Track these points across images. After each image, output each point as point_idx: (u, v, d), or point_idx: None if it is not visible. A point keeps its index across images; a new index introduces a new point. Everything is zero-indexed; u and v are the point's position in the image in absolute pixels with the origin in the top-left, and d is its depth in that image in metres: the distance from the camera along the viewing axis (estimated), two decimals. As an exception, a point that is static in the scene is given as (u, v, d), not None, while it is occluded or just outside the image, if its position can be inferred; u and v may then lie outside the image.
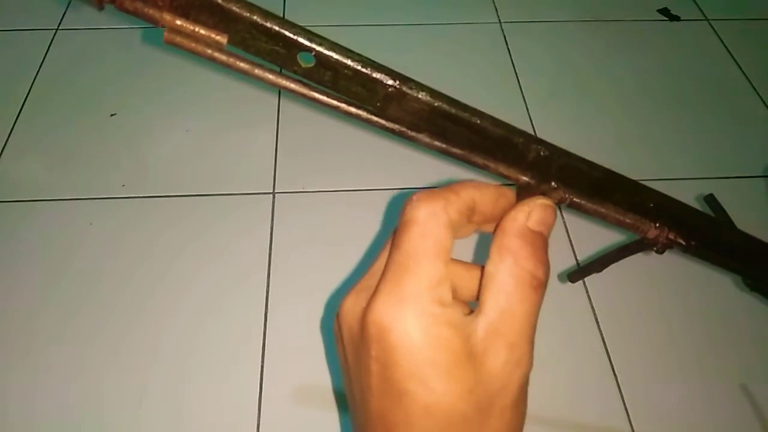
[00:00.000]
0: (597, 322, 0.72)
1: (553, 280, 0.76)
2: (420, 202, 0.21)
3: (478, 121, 0.22)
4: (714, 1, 1.14)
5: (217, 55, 0.19)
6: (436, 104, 0.22)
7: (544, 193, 0.24)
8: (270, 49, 0.19)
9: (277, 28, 0.19)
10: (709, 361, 0.70)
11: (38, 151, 0.87)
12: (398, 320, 0.20)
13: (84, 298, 0.72)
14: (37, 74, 0.96)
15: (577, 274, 0.29)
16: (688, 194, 0.85)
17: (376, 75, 0.21)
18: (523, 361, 0.21)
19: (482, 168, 0.23)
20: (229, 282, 0.74)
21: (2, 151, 0.86)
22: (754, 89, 0.99)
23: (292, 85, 0.20)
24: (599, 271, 0.29)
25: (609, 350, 0.70)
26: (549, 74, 1.01)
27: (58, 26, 1.04)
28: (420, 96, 0.21)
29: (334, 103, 0.21)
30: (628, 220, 0.26)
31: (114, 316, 0.71)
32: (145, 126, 0.90)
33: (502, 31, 1.07)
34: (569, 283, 0.75)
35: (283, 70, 0.20)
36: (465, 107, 0.22)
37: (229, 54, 0.19)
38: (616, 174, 0.25)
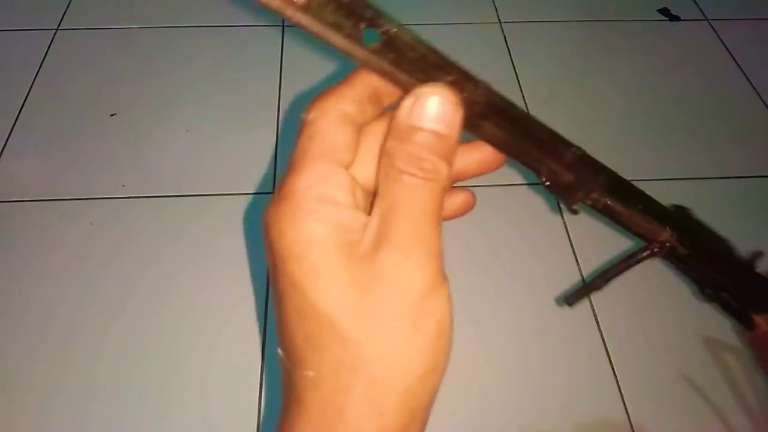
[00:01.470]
0: (598, 326, 0.72)
1: (550, 299, 0.76)
2: (312, 103, 0.21)
3: (528, 119, 0.23)
4: (714, 1, 1.14)
5: (290, 11, 0.18)
6: (493, 99, 0.22)
7: (584, 197, 0.24)
8: (335, 22, 0.19)
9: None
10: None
11: (38, 151, 0.87)
12: (276, 218, 0.20)
13: (84, 297, 0.72)
14: (37, 74, 0.96)
15: (575, 295, 0.27)
16: (687, 194, 0.85)
17: (440, 64, 0.21)
18: (417, 269, 0.19)
19: (535, 164, 0.23)
20: (229, 282, 0.74)
21: (2, 151, 0.86)
22: (754, 89, 0.99)
23: (369, 56, 0.19)
24: (600, 287, 0.28)
25: (610, 354, 0.70)
26: (549, 74, 1.01)
27: (58, 26, 1.04)
28: (479, 89, 0.21)
29: (403, 80, 0.20)
30: (647, 224, 0.26)
31: (115, 315, 0.71)
32: (145, 126, 0.90)
33: (502, 31, 1.07)
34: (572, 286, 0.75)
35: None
36: (516, 105, 0.22)
37: (300, 11, 0.18)
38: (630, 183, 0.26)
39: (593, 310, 0.73)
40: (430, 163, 0.20)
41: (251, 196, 0.82)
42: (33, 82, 0.94)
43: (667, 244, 0.26)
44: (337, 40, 0.19)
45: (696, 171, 0.88)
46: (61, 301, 0.71)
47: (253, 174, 0.84)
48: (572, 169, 0.24)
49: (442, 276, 0.20)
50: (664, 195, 0.92)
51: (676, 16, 1.11)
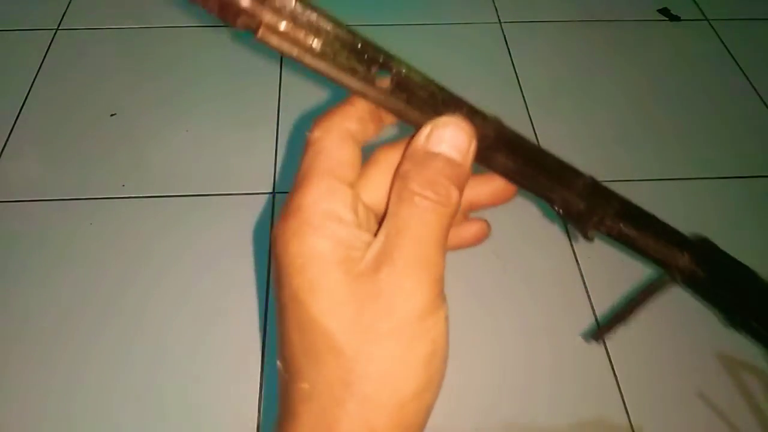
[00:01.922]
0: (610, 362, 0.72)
1: (572, 338, 0.76)
2: (315, 123, 0.22)
3: (538, 150, 0.24)
4: (714, 1, 1.14)
5: (308, 58, 0.20)
6: (503, 131, 0.23)
7: (598, 224, 0.25)
8: (350, 66, 0.20)
9: (361, 45, 0.20)
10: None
11: (38, 151, 0.87)
12: (282, 232, 0.20)
13: (84, 297, 0.72)
14: (37, 74, 0.96)
15: (602, 330, 0.27)
16: (687, 194, 0.85)
17: (449, 101, 0.22)
18: (417, 289, 0.20)
19: (547, 193, 0.24)
20: (229, 282, 0.74)
21: (2, 151, 0.86)
22: (754, 89, 0.99)
23: (382, 96, 0.21)
24: (625, 320, 0.27)
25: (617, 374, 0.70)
26: (549, 74, 1.01)
27: (58, 26, 1.04)
28: (488, 122, 0.23)
29: (415, 117, 0.21)
30: (663, 249, 0.26)
31: (114, 315, 0.71)
32: (145, 126, 0.90)
33: (502, 31, 1.07)
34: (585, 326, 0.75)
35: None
36: (525, 138, 0.24)
37: (318, 57, 0.20)
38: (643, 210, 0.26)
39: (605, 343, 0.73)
40: (444, 188, 0.20)
41: (251, 195, 0.82)
42: (33, 82, 0.94)
43: (687, 270, 0.26)
44: (352, 83, 0.20)
45: (696, 171, 0.88)
46: (61, 301, 0.71)
47: (252, 174, 0.84)
48: (584, 197, 0.25)
49: (441, 298, 0.20)
50: (664, 195, 0.93)
51: (676, 16, 1.11)
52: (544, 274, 0.76)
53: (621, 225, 0.25)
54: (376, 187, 0.23)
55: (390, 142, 0.24)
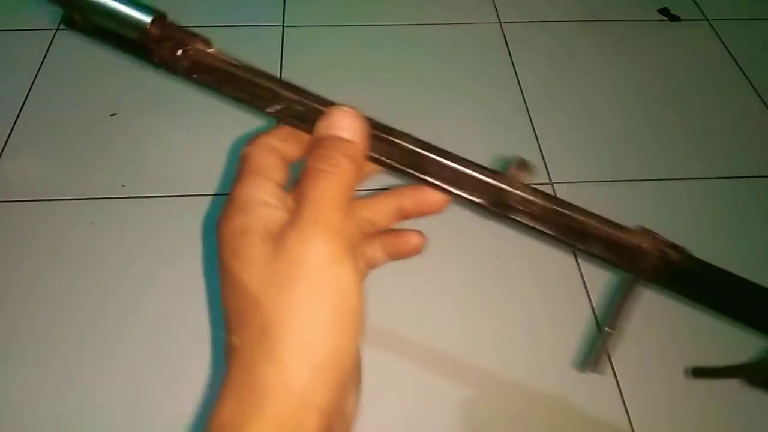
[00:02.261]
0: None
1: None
2: (247, 142, 0.28)
3: (595, 223, 0.26)
4: (714, 1, 1.14)
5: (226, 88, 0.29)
6: (558, 210, 0.26)
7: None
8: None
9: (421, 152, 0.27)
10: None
11: (38, 151, 0.87)
12: (219, 218, 0.25)
13: (84, 297, 0.72)
14: (37, 74, 0.96)
15: (595, 359, 0.27)
16: (687, 194, 0.85)
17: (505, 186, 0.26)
18: (316, 241, 0.23)
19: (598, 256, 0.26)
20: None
21: (2, 151, 0.86)
22: (754, 89, 0.99)
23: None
24: (613, 333, 0.27)
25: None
26: (549, 74, 1.01)
27: (58, 26, 1.04)
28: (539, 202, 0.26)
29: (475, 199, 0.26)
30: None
31: (114, 315, 0.71)
32: (145, 126, 0.90)
33: (502, 31, 1.07)
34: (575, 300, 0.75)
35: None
36: (574, 208, 0.26)
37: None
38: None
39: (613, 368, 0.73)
40: (334, 159, 0.24)
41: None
42: (33, 82, 0.94)
43: (656, 254, 0.25)
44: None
45: (695, 171, 0.88)
46: (61, 301, 0.71)
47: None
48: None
49: (344, 251, 0.23)
50: (664, 195, 0.93)
51: (676, 16, 1.11)
52: (544, 274, 0.76)
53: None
54: (374, 207, 0.30)
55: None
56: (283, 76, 0.97)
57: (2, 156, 0.85)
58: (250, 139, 0.28)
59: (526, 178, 0.26)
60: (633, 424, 0.65)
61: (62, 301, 0.71)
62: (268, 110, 0.28)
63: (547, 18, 1.10)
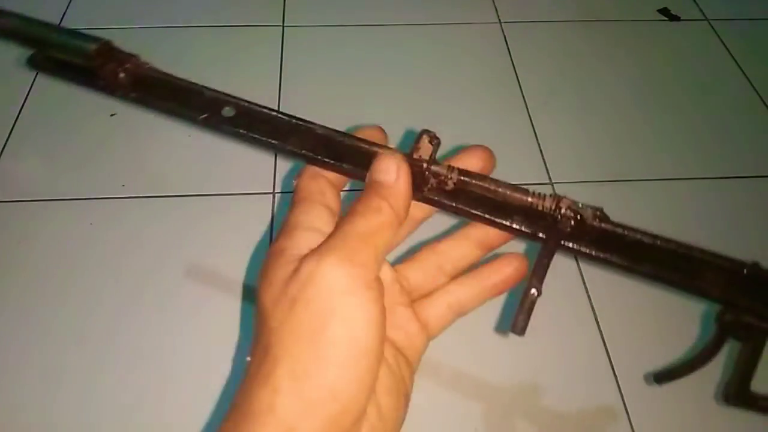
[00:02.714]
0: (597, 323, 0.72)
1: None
2: (298, 173, 0.28)
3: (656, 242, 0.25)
4: (714, 1, 1.14)
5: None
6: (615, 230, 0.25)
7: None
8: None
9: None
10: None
11: (38, 151, 0.87)
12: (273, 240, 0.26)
13: (84, 297, 0.72)
14: (37, 74, 0.96)
15: (520, 322, 0.26)
16: (686, 194, 0.85)
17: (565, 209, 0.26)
18: (332, 269, 0.22)
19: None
20: (230, 281, 0.74)
21: (2, 151, 0.86)
22: (754, 89, 0.99)
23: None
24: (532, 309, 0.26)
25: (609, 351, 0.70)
26: (549, 74, 1.01)
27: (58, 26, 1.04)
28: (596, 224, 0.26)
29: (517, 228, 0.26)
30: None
31: (114, 315, 0.71)
32: (145, 126, 0.90)
33: (502, 31, 1.07)
34: (572, 289, 0.75)
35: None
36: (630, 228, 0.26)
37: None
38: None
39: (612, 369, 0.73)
40: (374, 202, 0.24)
41: (251, 195, 0.82)
42: (33, 82, 0.94)
43: (564, 210, 0.25)
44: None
45: (695, 171, 0.88)
46: (61, 301, 0.71)
47: (253, 174, 0.84)
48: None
49: (361, 284, 0.22)
50: (664, 195, 0.93)
51: (676, 16, 1.11)
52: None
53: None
54: (449, 247, 0.29)
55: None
56: (283, 76, 0.98)
57: (2, 156, 0.85)
58: (299, 170, 0.28)
59: (434, 153, 0.26)
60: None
61: (62, 301, 0.71)
62: (201, 118, 0.29)
63: (547, 18, 1.10)
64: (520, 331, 0.24)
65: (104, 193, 0.82)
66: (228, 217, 0.80)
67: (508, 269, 0.28)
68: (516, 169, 0.85)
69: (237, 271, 0.74)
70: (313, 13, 1.08)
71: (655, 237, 0.25)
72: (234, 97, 0.30)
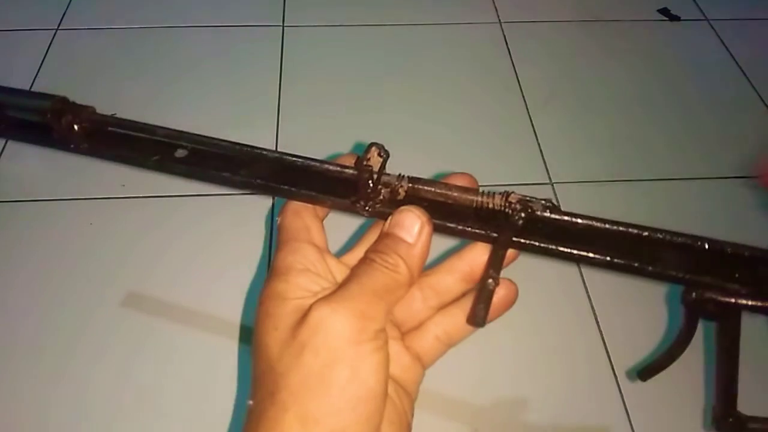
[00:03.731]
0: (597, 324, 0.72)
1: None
2: (281, 208, 0.29)
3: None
4: (714, 1, 1.14)
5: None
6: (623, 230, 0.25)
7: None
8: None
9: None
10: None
11: (38, 152, 0.87)
12: (265, 281, 0.26)
13: (84, 297, 0.72)
14: (37, 74, 0.96)
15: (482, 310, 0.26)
16: (686, 194, 0.85)
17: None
18: (340, 320, 0.22)
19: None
20: (228, 282, 0.74)
21: (2, 151, 0.86)
22: (754, 89, 0.99)
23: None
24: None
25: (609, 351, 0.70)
26: (549, 74, 1.01)
27: (58, 26, 1.04)
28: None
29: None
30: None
31: (114, 315, 0.70)
32: (145, 126, 0.90)
33: (502, 31, 1.07)
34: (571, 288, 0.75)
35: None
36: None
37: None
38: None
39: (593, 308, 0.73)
40: (391, 258, 0.24)
41: (251, 196, 0.82)
42: (33, 82, 0.94)
43: (514, 204, 0.25)
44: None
45: (695, 171, 0.88)
46: (61, 301, 0.71)
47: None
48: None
49: (369, 336, 0.23)
50: (664, 195, 0.93)
51: (676, 16, 1.11)
52: (545, 275, 0.76)
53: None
54: (438, 276, 0.29)
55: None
56: (283, 76, 0.98)
57: (2, 156, 0.85)
58: (281, 207, 0.29)
59: (383, 165, 0.26)
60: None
61: (62, 301, 0.71)
62: (153, 159, 0.29)
63: (547, 18, 1.10)
64: (481, 321, 0.24)
65: (104, 193, 0.82)
66: (228, 216, 0.80)
67: (494, 298, 0.28)
68: (516, 169, 0.85)
69: (237, 270, 0.74)
70: (313, 13, 1.08)
71: (606, 221, 0.25)
72: (187, 134, 0.30)
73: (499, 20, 1.09)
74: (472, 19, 1.09)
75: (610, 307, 0.73)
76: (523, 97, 0.96)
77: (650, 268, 0.24)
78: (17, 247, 0.76)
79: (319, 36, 1.05)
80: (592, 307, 0.73)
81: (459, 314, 0.29)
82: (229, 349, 0.68)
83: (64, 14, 1.06)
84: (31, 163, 0.86)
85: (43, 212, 0.80)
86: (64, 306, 0.71)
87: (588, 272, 0.76)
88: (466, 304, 0.29)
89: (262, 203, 0.81)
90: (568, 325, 0.72)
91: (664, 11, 1.12)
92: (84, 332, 0.69)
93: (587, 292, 0.74)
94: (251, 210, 0.80)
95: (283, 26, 1.06)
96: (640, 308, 0.73)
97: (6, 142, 0.87)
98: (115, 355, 0.68)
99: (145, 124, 0.30)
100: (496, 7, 1.11)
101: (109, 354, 0.68)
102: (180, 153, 0.30)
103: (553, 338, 0.71)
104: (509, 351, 0.70)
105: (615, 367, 0.69)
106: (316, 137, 0.89)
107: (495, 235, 0.25)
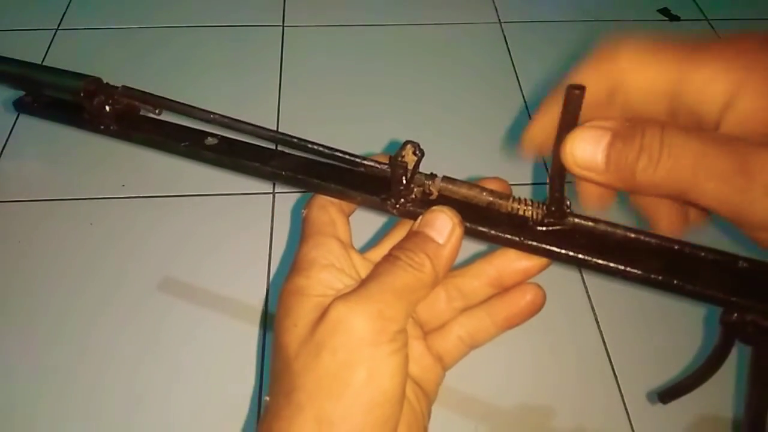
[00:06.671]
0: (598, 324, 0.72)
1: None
2: (307, 202, 0.29)
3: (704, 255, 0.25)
4: (714, 1, 1.14)
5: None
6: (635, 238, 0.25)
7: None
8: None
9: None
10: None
11: (38, 152, 0.87)
12: (287, 276, 0.26)
13: (84, 297, 0.72)
14: (37, 74, 0.95)
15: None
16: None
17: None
18: (359, 320, 0.22)
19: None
20: (228, 281, 0.74)
21: (2, 151, 0.86)
22: (754, 89, 0.99)
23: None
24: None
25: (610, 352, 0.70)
26: (549, 74, 1.01)
27: (58, 26, 1.04)
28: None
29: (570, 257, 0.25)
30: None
31: (114, 315, 0.71)
32: (145, 126, 0.90)
33: (502, 31, 1.07)
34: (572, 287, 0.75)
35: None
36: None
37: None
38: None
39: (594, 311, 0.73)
40: (418, 257, 0.24)
41: (251, 195, 0.82)
42: (33, 82, 0.94)
43: (540, 215, 0.25)
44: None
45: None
46: (59, 301, 0.71)
47: (253, 174, 0.84)
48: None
49: (387, 337, 0.22)
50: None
51: (676, 16, 1.11)
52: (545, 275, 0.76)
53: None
54: (466, 277, 0.29)
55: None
56: (283, 76, 0.98)
57: (2, 156, 0.85)
58: (307, 201, 0.28)
59: (418, 163, 0.26)
60: None
61: (62, 302, 0.71)
62: (182, 146, 0.28)
63: (547, 18, 1.10)
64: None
65: (104, 193, 0.82)
66: (228, 216, 0.80)
67: (521, 302, 0.28)
68: (517, 169, 0.85)
69: (236, 270, 0.74)
70: (313, 14, 1.08)
71: (644, 233, 0.24)
72: (220, 116, 0.30)
73: (499, 20, 1.09)
74: (472, 19, 1.09)
75: (613, 314, 0.73)
76: (523, 97, 0.96)
77: (689, 286, 0.23)
78: (17, 247, 0.76)
79: (319, 36, 1.04)
80: (595, 315, 0.73)
81: (484, 317, 0.28)
82: (251, 340, 0.69)
83: (64, 14, 1.06)
84: (31, 163, 0.86)
85: (43, 212, 0.80)
86: (64, 306, 0.71)
87: (590, 279, 0.76)
88: (492, 307, 0.28)
89: (263, 204, 0.81)
90: (569, 325, 0.72)
91: (664, 11, 1.12)
92: (84, 332, 0.69)
93: (590, 298, 0.74)
94: (253, 210, 0.80)
95: (283, 26, 1.06)
96: (645, 315, 0.73)
97: (6, 142, 0.87)
98: (115, 357, 0.68)
99: (177, 102, 0.30)
100: (496, 7, 1.11)
101: (109, 356, 0.68)
102: (210, 141, 0.29)
103: (555, 338, 0.71)
104: (508, 357, 0.70)
105: (618, 376, 0.69)
106: (316, 137, 0.89)
107: (528, 242, 0.25)
